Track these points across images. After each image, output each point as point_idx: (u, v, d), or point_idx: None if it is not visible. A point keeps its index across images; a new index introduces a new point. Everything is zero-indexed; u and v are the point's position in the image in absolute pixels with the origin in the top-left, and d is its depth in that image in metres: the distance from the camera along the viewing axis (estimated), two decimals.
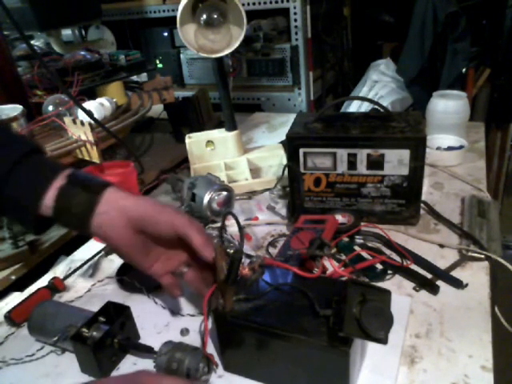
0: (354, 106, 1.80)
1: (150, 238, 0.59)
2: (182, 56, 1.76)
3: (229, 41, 0.92)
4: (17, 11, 1.05)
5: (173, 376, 0.51)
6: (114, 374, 0.59)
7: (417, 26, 1.68)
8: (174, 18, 0.89)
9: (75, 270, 0.81)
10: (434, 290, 0.67)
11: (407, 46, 1.74)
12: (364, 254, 0.75)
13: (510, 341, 0.76)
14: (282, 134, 1.16)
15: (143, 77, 1.70)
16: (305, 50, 1.57)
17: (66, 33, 1.56)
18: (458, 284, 0.68)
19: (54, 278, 0.76)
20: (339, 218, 0.83)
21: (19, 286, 0.81)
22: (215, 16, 0.90)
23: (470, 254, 0.73)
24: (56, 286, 0.75)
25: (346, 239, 0.79)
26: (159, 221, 0.57)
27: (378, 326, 0.46)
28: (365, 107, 1.75)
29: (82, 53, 1.28)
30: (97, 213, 0.55)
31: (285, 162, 0.90)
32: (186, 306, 0.70)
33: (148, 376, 0.45)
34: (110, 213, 0.56)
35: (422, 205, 0.86)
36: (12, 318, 0.69)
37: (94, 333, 0.58)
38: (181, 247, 0.60)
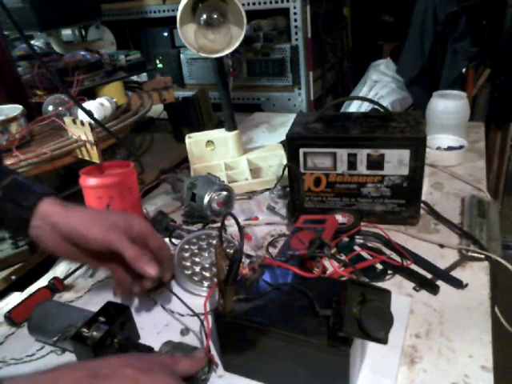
0: (354, 106, 1.80)
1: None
2: (182, 56, 1.76)
3: (229, 41, 0.92)
4: (17, 11, 1.05)
5: (185, 358, 0.52)
6: None
7: (417, 25, 1.68)
8: (174, 18, 0.89)
9: (75, 270, 0.81)
10: (434, 289, 0.67)
11: (407, 46, 1.75)
12: (364, 253, 0.75)
13: (510, 341, 0.76)
14: (282, 134, 1.16)
15: (143, 77, 1.70)
16: (305, 50, 1.57)
17: (66, 33, 1.56)
18: (457, 284, 0.68)
19: (54, 278, 0.76)
20: (339, 217, 0.83)
21: (19, 286, 0.81)
22: (215, 16, 0.90)
23: (470, 253, 0.73)
24: (56, 286, 0.75)
25: (346, 239, 0.79)
26: (89, 238, 0.58)
27: (378, 326, 0.46)
28: (365, 107, 1.75)
29: (82, 53, 1.28)
30: (31, 226, 0.58)
31: (285, 162, 0.90)
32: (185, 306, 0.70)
33: (166, 357, 0.48)
34: (43, 227, 0.58)
35: (422, 205, 0.86)
36: (12, 317, 0.69)
37: (94, 333, 0.58)
38: (116, 256, 0.60)
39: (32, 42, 1.48)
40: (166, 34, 1.84)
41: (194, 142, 1.09)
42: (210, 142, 1.09)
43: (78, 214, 0.60)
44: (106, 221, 0.60)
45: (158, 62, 1.81)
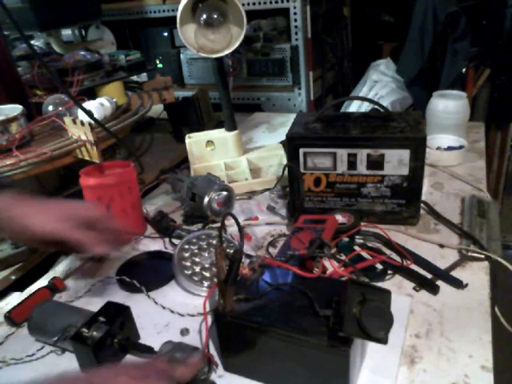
0: (354, 106, 1.80)
1: None
2: (182, 56, 1.76)
3: (229, 41, 0.92)
4: (17, 11, 1.05)
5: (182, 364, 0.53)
6: None
7: (417, 26, 1.68)
8: (174, 18, 0.89)
9: (75, 270, 0.81)
10: (434, 290, 0.67)
11: (407, 46, 1.74)
12: (364, 254, 0.75)
13: (510, 341, 0.75)
14: (282, 134, 1.16)
15: (143, 77, 1.70)
16: (305, 50, 1.57)
17: (66, 33, 1.56)
18: (458, 284, 0.68)
19: (54, 278, 0.76)
20: (339, 218, 0.83)
21: (19, 286, 0.81)
22: (215, 16, 0.90)
23: (470, 253, 0.73)
24: (56, 286, 0.75)
25: (345, 239, 0.79)
26: (35, 231, 0.60)
27: (377, 326, 0.46)
28: (365, 107, 1.75)
29: (82, 53, 1.28)
30: None
31: (285, 161, 0.90)
32: (186, 305, 0.70)
33: (162, 364, 0.49)
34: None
35: (422, 205, 0.86)
36: (12, 318, 0.69)
37: (94, 333, 0.58)
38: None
39: (32, 42, 1.48)
40: (165, 33, 1.84)
41: (194, 141, 1.09)
42: (210, 142, 1.09)
43: (25, 207, 0.62)
44: (51, 212, 0.62)
45: (158, 61, 1.81)
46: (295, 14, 1.51)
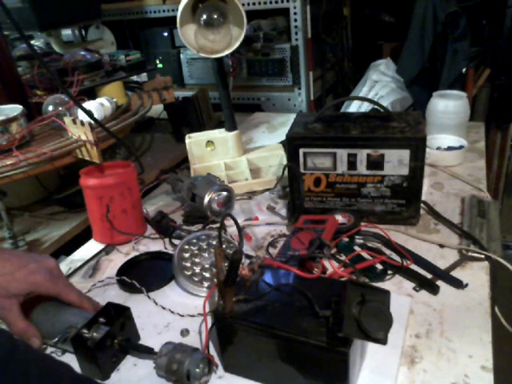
0: (354, 106, 1.80)
1: None
2: (182, 56, 1.76)
3: (229, 41, 0.92)
4: (17, 11, 1.05)
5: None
6: (115, 375, 0.59)
7: (417, 26, 1.67)
8: (174, 17, 0.89)
9: (75, 270, 0.81)
10: (434, 290, 0.67)
11: (407, 46, 1.74)
12: (364, 254, 0.75)
13: (510, 341, 0.76)
14: (282, 134, 1.16)
15: (143, 77, 1.70)
16: (305, 50, 1.57)
17: (66, 33, 1.56)
18: (458, 284, 0.68)
19: None
20: (339, 218, 0.83)
21: None
22: (215, 16, 0.90)
23: (470, 253, 0.73)
24: None
25: (346, 239, 0.79)
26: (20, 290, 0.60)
27: (377, 327, 0.46)
28: (365, 107, 1.75)
29: (82, 53, 1.28)
30: None
31: (285, 162, 0.90)
32: (186, 306, 0.70)
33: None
34: None
35: (422, 205, 0.86)
36: None
37: (95, 334, 0.58)
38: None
39: (32, 42, 1.48)
40: (165, 34, 1.84)
41: (194, 142, 1.09)
42: (210, 142, 1.09)
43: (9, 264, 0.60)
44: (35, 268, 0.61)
45: (158, 61, 1.81)
46: (295, 14, 1.51)
